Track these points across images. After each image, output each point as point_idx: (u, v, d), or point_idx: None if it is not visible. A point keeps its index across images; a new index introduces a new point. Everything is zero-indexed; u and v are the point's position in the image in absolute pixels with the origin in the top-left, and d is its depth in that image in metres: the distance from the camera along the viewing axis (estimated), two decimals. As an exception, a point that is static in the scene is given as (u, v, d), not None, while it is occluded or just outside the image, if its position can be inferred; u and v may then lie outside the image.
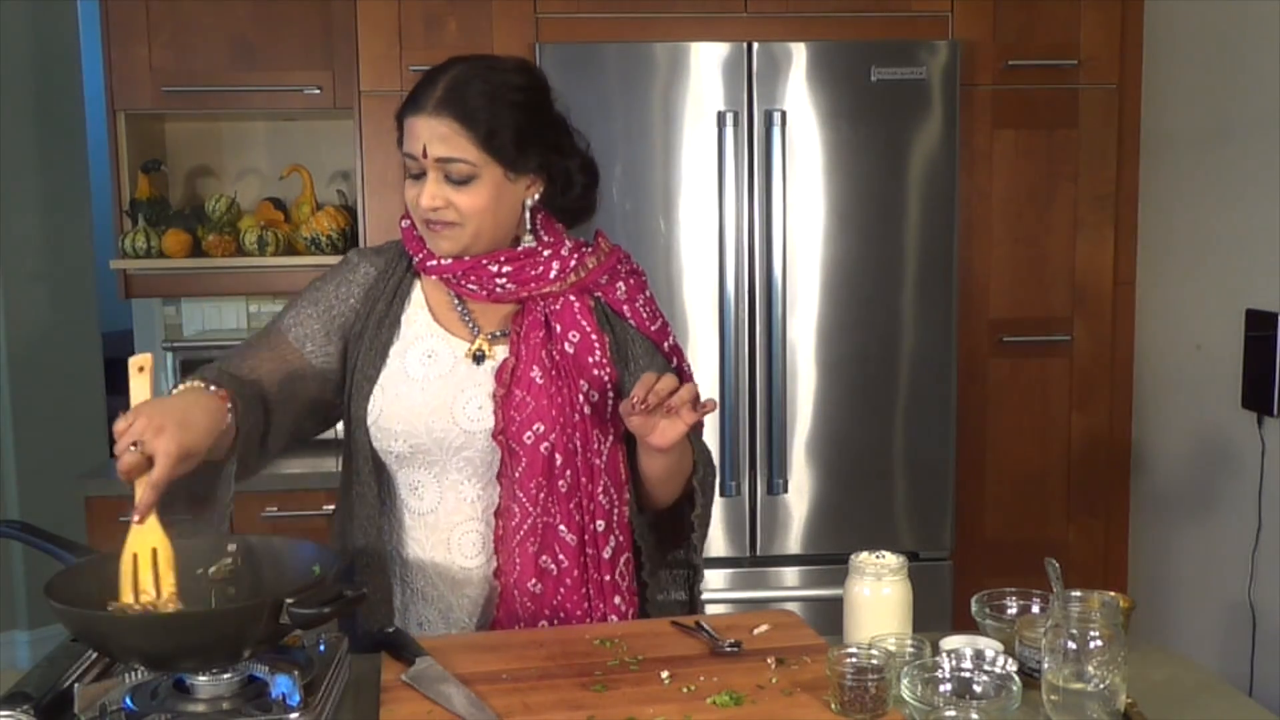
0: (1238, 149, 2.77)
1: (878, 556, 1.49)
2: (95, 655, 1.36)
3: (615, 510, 1.62)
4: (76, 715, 1.25)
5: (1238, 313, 2.71)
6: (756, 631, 1.51)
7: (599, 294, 1.67)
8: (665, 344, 1.72)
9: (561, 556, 1.61)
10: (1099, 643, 1.27)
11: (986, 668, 1.32)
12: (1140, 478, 3.24)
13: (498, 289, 1.61)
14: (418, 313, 1.67)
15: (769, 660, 1.43)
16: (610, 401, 1.62)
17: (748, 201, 2.89)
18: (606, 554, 1.62)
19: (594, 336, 1.63)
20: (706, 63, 2.87)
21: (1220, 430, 2.85)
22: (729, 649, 1.45)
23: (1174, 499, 3.09)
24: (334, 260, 3.13)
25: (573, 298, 1.64)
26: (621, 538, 1.64)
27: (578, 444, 1.59)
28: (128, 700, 1.28)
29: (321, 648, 1.39)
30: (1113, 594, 1.39)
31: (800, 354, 2.93)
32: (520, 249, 1.62)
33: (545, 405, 1.59)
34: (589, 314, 1.64)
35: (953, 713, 1.24)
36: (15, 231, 3.90)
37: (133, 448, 1.32)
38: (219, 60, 3.12)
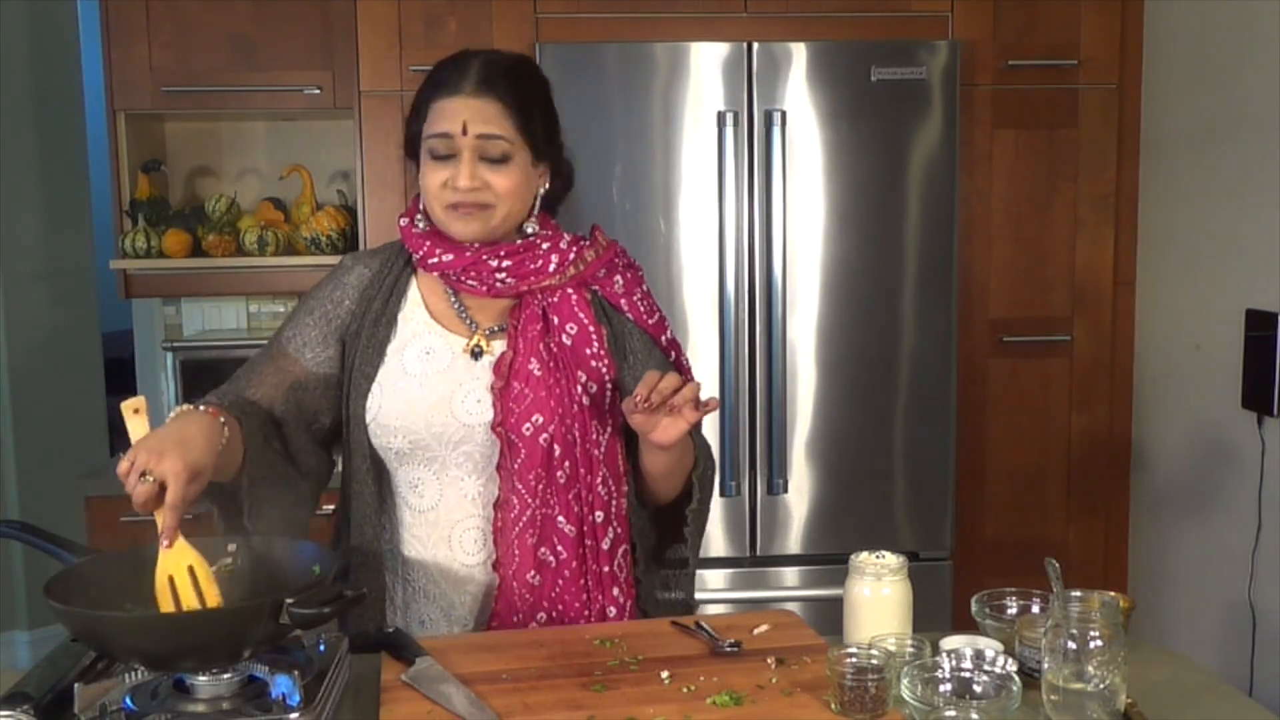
0: (1237, 149, 2.77)
1: (878, 556, 1.49)
2: (95, 655, 1.36)
3: (614, 501, 1.63)
4: (76, 715, 1.26)
5: (1238, 313, 2.71)
6: (756, 631, 1.51)
7: (596, 287, 1.68)
8: (663, 338, 1.73)
9: (560, 548, 1.61)
10: (1099, 643, 1.27)
11: (986, 668, 1.32)
12: (1140, 478, 3.24)
13: (498, 284, 1.62)
14: (414, 311, 1.67)
15: (769, 660, 1.43)
16: (608, 393, 1.63)
17: (748, 201, 2.89)
18: (605, 545, 1.62)
19: (591, 329, 1.64)
20: (706, 63, 2.87)
21: (1220, 430, 2.85)
22: (729, 649, 1.45)
23: (1174, 499, 3.08)
24: (334, 260, 3.14)
25: (570, 291, 1.65)
26: (620, 529, 1.64)
27: (576, 435, 1.60)
28: (128, 700, 1.28)
29: (321, 648, 1.39)
30: (1113, 594, 1.39)
31: (800, 354, 2.93)
32: (519, 242, 1.63)
33: (544, 396, 1.59)
34: (586, 307, 1.65)
35: (953, 713, 1.24)
36: (15, 231, 3.90)
37: (142, 478, 1.34)
38: (219, 60, 3.12)
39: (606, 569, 1.63)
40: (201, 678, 1.29)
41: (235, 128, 3.42)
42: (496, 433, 1.59)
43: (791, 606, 2.34)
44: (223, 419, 1.47)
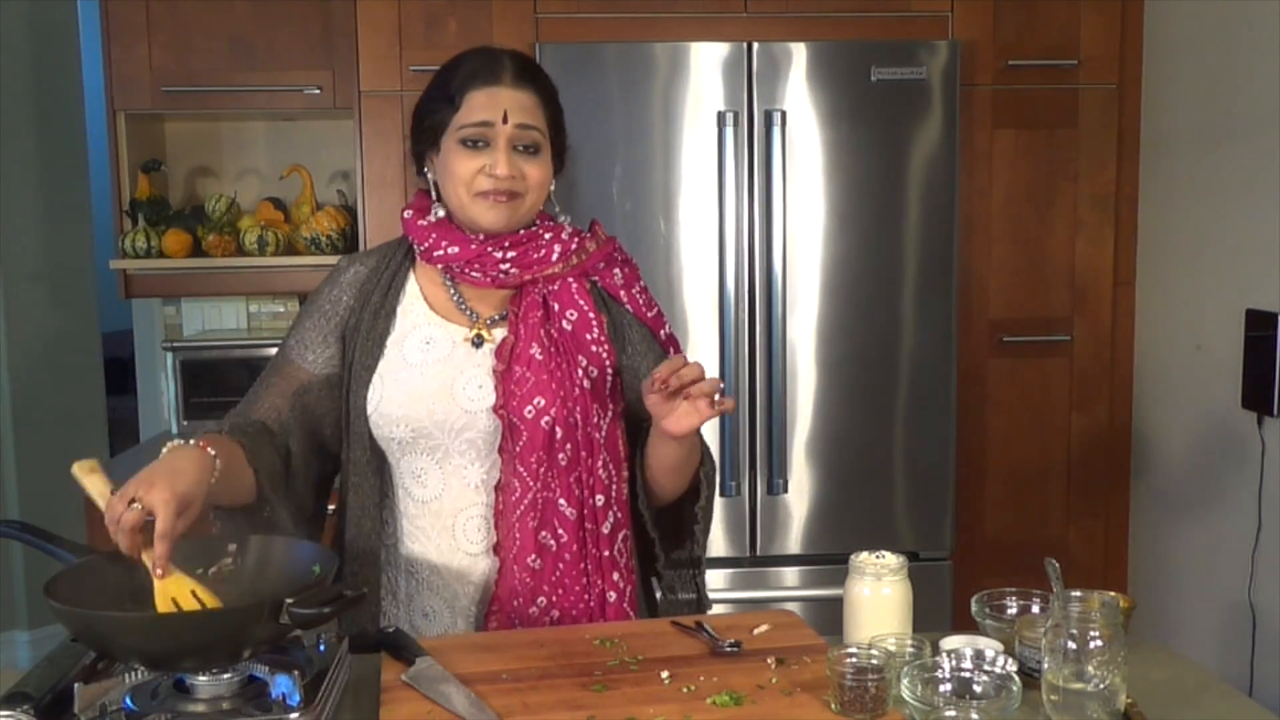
0: (1237, 149, 2.77)
1: (878, 556, 1.49)
2: (95, 655, 1.36)
3: (614, 486, 1.64)
4: (76, 715, 1.26)
5: (1238, 312, 2.71)
6: (756, 631, 1.52)
7: (596, 278, 1.70)
8: (662, 332, 1.75)
9: (561, 531, 1.62)
10: (1099, 643, 1.27)
11: (986, 668, 1.32)
12: (1140, 478, 3.24)
13: (501, 274, 1.63)
14: (413, 303, 1.69)
15: (769, 660, 1.43)
16: (609, 379, 1.65)
17: (748, 201, 2.89)
18: (605, 529, 1.63)
19: (592, 315, 1.66)
20: (706, 63, 2.87)
21: (1220, 430, 2.85)
22: (729, 649, 1.45)
23: (1174, 499, 3.09)
24: (334, 260, 3.15)
25: (571, 280, 1.67)
26: (620, 514, 1.65)
27: (578, 418, 1.61)
28: (128, 700, 1.28)
29: (321, 648, 1.39)
30: (1113, 594, 1.39)
31: (800, 354, 2.93)
32: (522, 233, 1.65)
33: (545, 380, 1.61)
34: (586, 295, 1.67)
35: (953, 713, 1.24)
36: (15, 231, 3.90)
37: (131, 505, 1.34)
38: (219, 60, 3.12)
39: (606, 553, 1.63)
40: (201, 678, 1.29)
41: (235, 128, 3.42)
42: (499, 415, 1.60)
43: (791, 606, 2.33)
44: (213, 451, 1.46)
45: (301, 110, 3.23)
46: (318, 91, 3.13)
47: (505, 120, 1.59)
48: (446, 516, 1.65)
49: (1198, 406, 2.95)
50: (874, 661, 1.29)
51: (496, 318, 1.67)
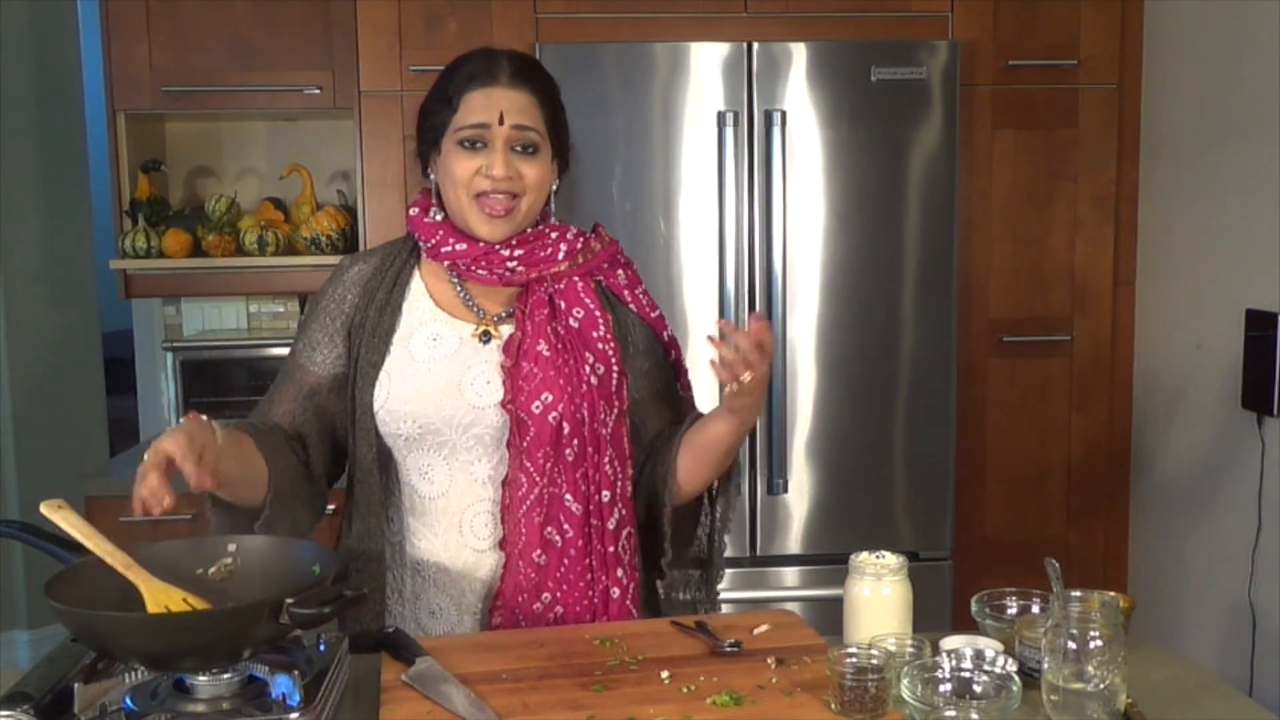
0: (1237, 149, 2.77)
1: (878, 556, 1.49)
2: (95, 655, 1.36)
3: (619, 482, 1.65)
4: (76, 715, 1.26)
5: (1238, 313, 2.71)
6: (756, 631, 1.52)
7: (600, 278, 1.71)
8: (665, 334, 1.76)
9: (566, 526, 1.62)
10: (1099, 643, 1.27)
11: (986, 668, 1.32)
12: (1140, 478, 3.24)
13: (507, 271, 1.64)
14: (419, 300, 1.69)
15: (769, 660, 1.43)
16: (615, 376, 1.65)
17: (748, 201, 2.89)
18: (611, 525, 1.64)
19: (598, 314, 1.67)
20: (706, 63, 2.87)
21: (1220, 430, 2.85)
22: (729, 649, 1.45)
23: (1174, 499, 3.09)
24: (334, 260, 3.15)
25: (577, 279, 1.68)
26: (625, 511, 1.66)
27: (585, 414, 1.62)
28: (128, 700, 1.28)
29: (321, 648, 1.39)
30: (1113, 594, 1.39)
31: (800, 354, 2.93)
32: (529, 232, 1.66)
33: (553, 376, 1.61)
34: (592, 294, 1.69)
35: (953, 713, 1.24)
36: (15, 231, 3.90)
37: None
38: (219, 60, 3.12)
39: (611, 549, 1.64)
40: (201, 678, 1.29)
41: (235, 128, 3.42)
42: (506, 410, 1.60)
43: (791, 606, 2.33)
44: (206, 417, 1.48)
45: (301, 110, 3.23)
46: (318, 91, 3.12)
47: (502, 121, 1.60)
48: (454, 513, 1.65)
49: (1198, 406, 2.95)
50: (874, 661, 1.29)
51: (504, 314, 1.68)
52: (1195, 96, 2.94)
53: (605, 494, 1.63)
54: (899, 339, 2.95)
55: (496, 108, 1.60)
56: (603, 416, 1.63)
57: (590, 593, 1.63)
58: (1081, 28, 3.07)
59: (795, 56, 2.88)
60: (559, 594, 1.63)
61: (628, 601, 1.65)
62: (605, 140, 2.85)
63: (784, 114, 2.86)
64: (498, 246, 1.63)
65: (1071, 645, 1.27)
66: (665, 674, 1.39)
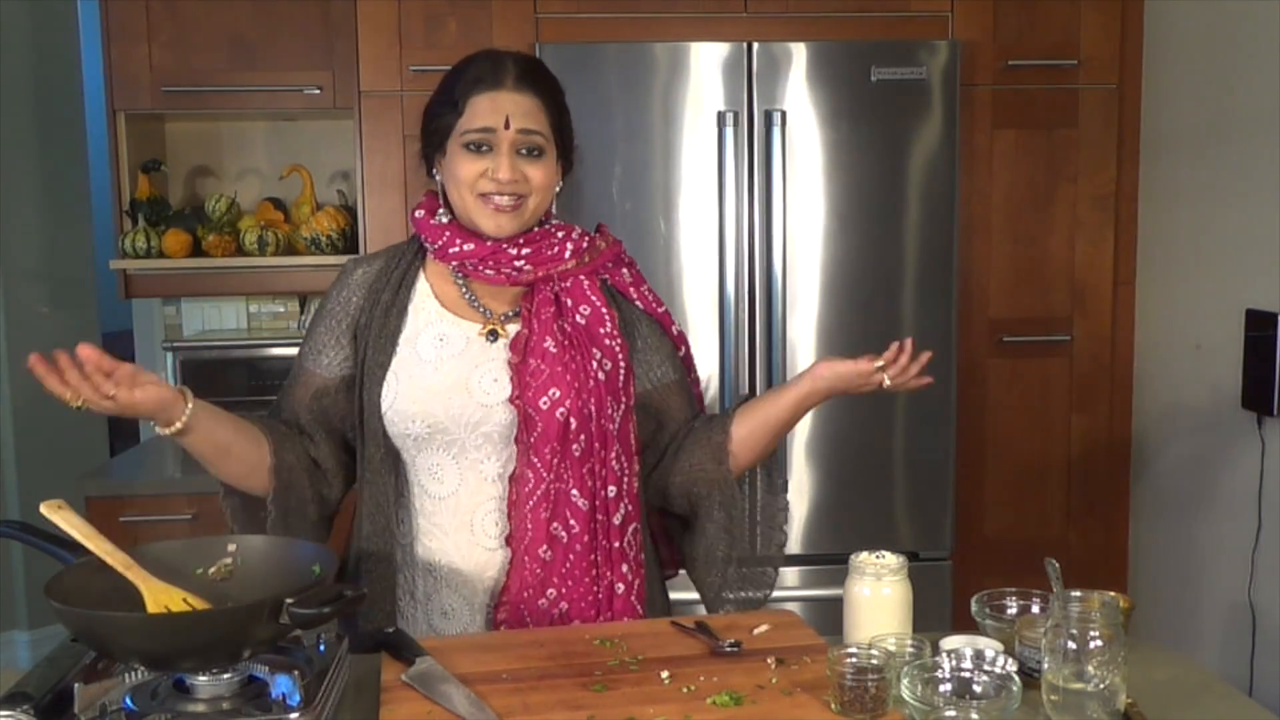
0: (1237, 149, 2.77)
1: (878, 556, 1.49)
2: (95, 655, 1.36)
3: (626, 478, 1.66)
4: (76, 715, 1.26)
5: (1238, 313, 2.71)
6: (756, 631, 1.52)
7: (605, 276, 1.73)
8: (673, 328, 1.78)
9: (573, 522, 1.63)
10: (1099, 643, 1.27)
11: (986, 668, 1.32)
12: (1140, 477, 3.24)
13: (515, 271, 1.65)
14: (425, 301, 1.70)
15: (769, 660, 1.43)
16: (622, 371, 1.66)
17: (748, 201, 2.89)
18: (616, 520, 1.64)
19: (605, 311, 1.68)
20: (706, 63, 2.87)
21: (1220, 430, 2.85)
22: (729, 649, 1.45)
23: (1174, 499, 3.09)
24: (334, 260, 3.16)
25: (583, 277, 1.69)
26: (631, 507, 1.67)
27: (592, 410, 1.62)
28: (128, 700, 1.28)
29: (321, 648, 1.39)
30: (1113, 594, 1.39)
31: (800, 354, 2.93)
32: (535, 231, 1.67)
33: (560, 372, 1.62)
34: (598, 292, 1.70)
35: (953, 713, 1.24)
36: (15, 231, 3.90)
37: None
38: (219, 60, 3.12)
39: (617, 545, 1.65)
40: (201, 678, 1.29)
41: (235, 128, 3.42)
42: (514, 405, 1.61)
43: (791, 606, 2.32)
44: (182, 387, 1.54)
45: (301, 110, 3.23)
46: (318, 91, 3.13)
47: (507, 125, 1.60)
48: (464, 512, 1.65)
49: (1198, 406, 2.95)
50: (874, 661, 1.29)
51: (510, 313, 1.69)
52: (1195, 96, 2.94)
53: (611, 489, 1.64)
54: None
55: (502, 112, 1.61)
56: (610, 412, 1.64)
57: (595, 589, 1.64)
58: (1081, 28, 3.07)
59: (795, 56, 2.88)
60: (564, 590, 1.63)
61: (632, 598, 1.66)
62: (605, 140, 2.85)
63: (784, 114, 2.86)
64: (505, 246, 1.63)
65: (1071, 645, 1.27)
66: (665, 674, 1.39)
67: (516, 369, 1.62)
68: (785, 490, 1.81)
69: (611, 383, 1.65)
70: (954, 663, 1.33)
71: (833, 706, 1.30)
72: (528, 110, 1.62)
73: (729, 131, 2.85)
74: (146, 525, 2.89)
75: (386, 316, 1.67)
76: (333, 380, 1.69)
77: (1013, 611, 1.51)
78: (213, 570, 1.43)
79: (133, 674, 1.34)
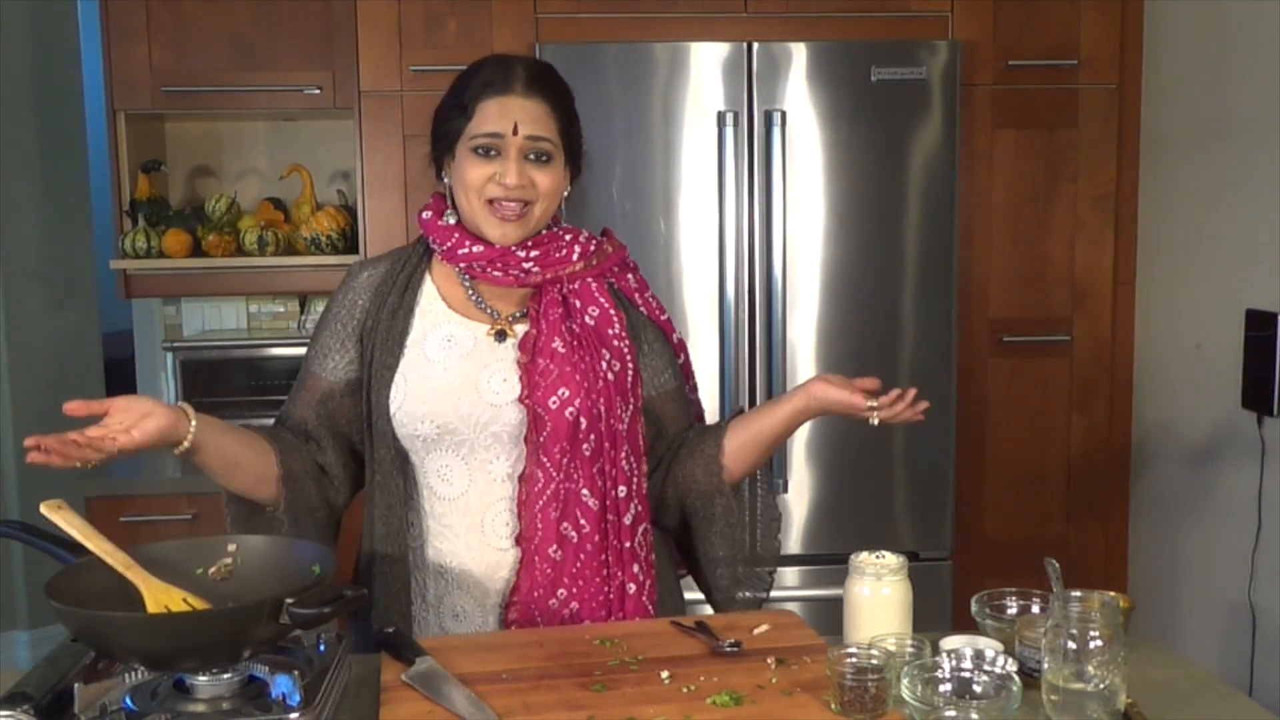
0: (1237, 149, 2.77)
1: (878, 556, 1.49)
2: (95, 655, 1.36)
3: (635, 478, 1.66)
4: (76, 715, 1.26)
5: (1238, 313, 2.71)
6: (756, 631, 1.52)
7: (612, 280, 1.73)
8: (674, 336, 1.79)
9: (583, 522, 1.63)
10: (1099, 643, 1.27)
11: (986, 668, 1.32)
12: (1140, 478, 3.24)
13: (523, 273, 1.65)
14: (432, 303, 1.70)
15: (769, 660, 1.43)
16: (630, 372, 1.67)
17: (748, 201, 2.89)
18: (627, 520, 1.65)
19: (612, 312, 1.69)
20: (706, 63, 2.87)
21: (1220, 430, 2.85)
22: (729, 649, 1.45)
23: (1174, 499, 3.08)
24: (334, 260, 3.16)
25: (590, 280, 1.70)
26: (641, 507, 1.67)
27: (601, 410, 1.63)
28: (128, 700, 1.28)
29: (321, 648, 1.39)
30: (1113, 594, 1.39)
31: (800, 354, 2.93)
32: (544, 233, 1.68)
33: (569, 372, 1.63)
34: (606, 293, 1.70)
35: (953, 713, 1.24)
36: (15, 231, 3.90)
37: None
38: (219, 60, 3.12)
39: (627, 545, 1.65)
40: (201, 678, 1.29)
41: (235, 128, 3.42)
42: (524, 404, 1.61)
43: (791, 606, 2.33)
44: (183, 404, 1.55)
45: (301, 110, 3.23)
46: (318, 91, 3.12)
47: (515, 131, 1.61)
48: (475, 513, 1.65)
49: (1198, 406, 2.95)
50: (874, 661, 1.29)
51: (517, 314, 1.69)
52: (1195, 96, 2.94)
53: (621, 489, 1.64)
54: (899, 339, 2.95)
55: (511, 118, 1.61)
56: (619, 412, 1.64)
57: (606, 589, 1.64)
58: (1081, 28, 3.07)
59: (795, 56, 2.88)
60: (574, 590, 1.63)
61: (643, 598, 1.66)
62: (605, 140, 2.85)
63: (784, 114, 2.86)
64: (514, 248, 1.64)
65: (1071, 645, 1.27)
66: (665, 674, 1.39)
67: (526, 368, 1.63)
68: (781, 491, 1.82)
69: (620, 383, 1.65)
70: (954, 663, 1.33)
71: (833, 706, 1.30)
72: (536, 116, 1.62)
73: (729, 131, 2.85)
74: (146, 525, 2.89)
75: (393, 319, 1.67)
76: (339, 384, 1.69)
77: (1013, 611, 1.51)
78: (213, 570, 1.43)
79: (133, 674, 1.34)
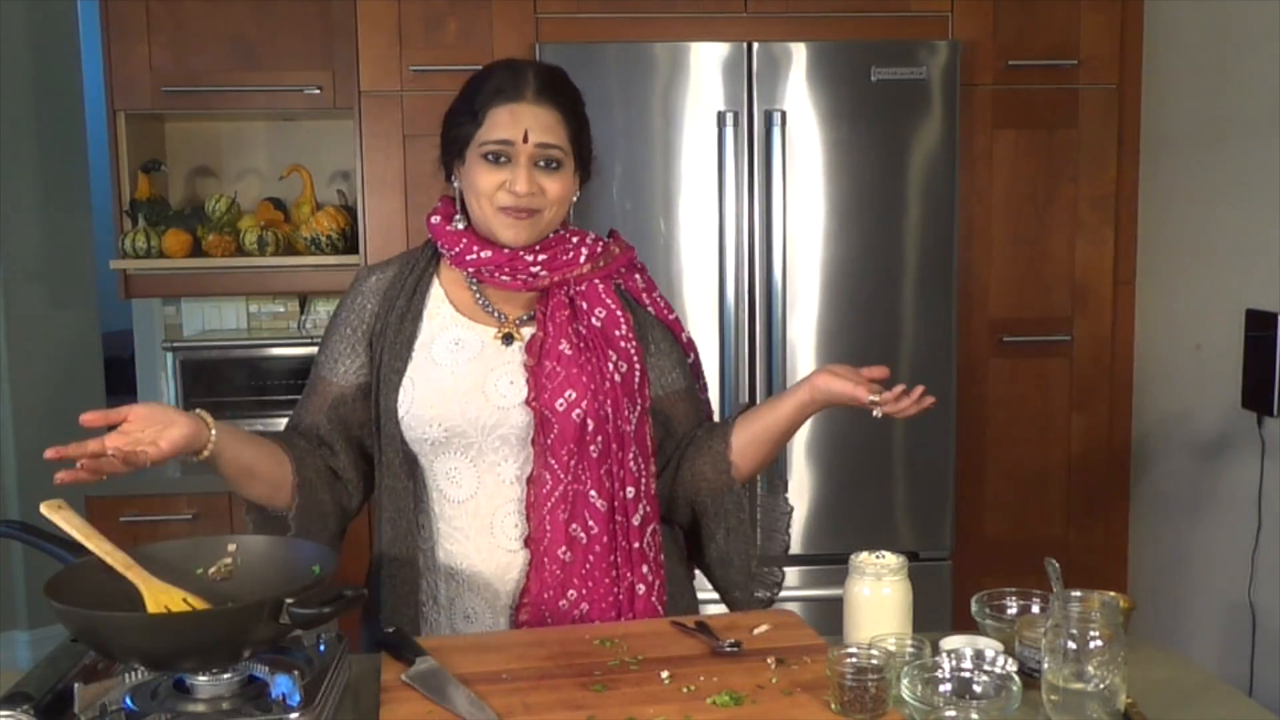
0: (1237, 149, 2.77)
1: (878, 556, 1.49)
2: (95, 655, 1.36)
3: (643, 479, 1.66)
4: (76, 715, 1.26)
5: (1238, 313, 2.71)
6: (756, 631, 1.52)
7: (619, 281, 1.74)
8: (683, 335, 1.79)
9: (592, 523, 1.63)
10: (1099, 643, 1.27)
11: (986, 668, 1.32)
12: (1140, 478, 3.24)
13: (531, 276, 1.66)
14: (439, 307, 1.70)
15: (769, 660, 1.43)
16: (638, 373, 1.67)
17: (748, 201, 2.89)
18: (636, 521, 1.65)
19: (619, 313, 1.69)
20: (706, 63, 2.87)
21: (1220, 430, 2.85)
22: (729, 649, 1.45)
23: (1174, 499, 3.08)
24: (334, 260, 3.16)
25: (598, 282, 1.70)
26: (649, 508, 1.67)
27: (609, 411, 1.63)
28: (128, 700, 1.28)
29: (321, 648, 1.39)
30: (1113, 594, 1.39)
31: (800, 354, 2.93)
32: (551, 237, 1.69)
33: (576, 373, 1.63)
34: (613, 295, 1.71)
35: (953, 713, 1.24)
36: (15, 231, 3.90)
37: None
38: (219, 60, 3.12)
39: (636, 545, 1.65)
40: (201, 678, 1.29)
41: (235, 128, 3.42)
42: (531, 407, 1.62)
43: (791, 606, 2.33)
44: (200, 412, 1.53)
45: (301, 110, 3.23)
46: (318, 91, 3.12)
47: (525, 139, 1.61)
48: (484, 515, 1.66)
49: (1198, 406, 2.95)
50: (874, 661, 1.29)
51: (524, 317, 1.70)
52: (1195, 96, 2.94)
53: (630, 490, 1.64)
54: (899, 339, 2.95)
55: (521, 125, 1.61)
56: (626, 413, 1.64)
57: (615, 589, 1.64)
58: (1081, 28, 3.07)
59: (795, 56, 2.88)
60: (584, 591, 1.63)
61: (653, 599, 1.66)
62: (605, 140, 2.82)
63: (784, 114, 2.86)
64: (522, 253, 1.64)
65: (1071, 645, 1.27)
66: (665, 674, 1.39)
67: (532, 371, 1.63)
68: (785, 490, 1.82)
69: (627, 384, 1.65)
70: (954, 663, 1.33)
71: (833, 706, 1.30)
72: (547, 124, 1.62)
73: (729, 131, 2.85)
74: (146, 525, 2.89)
75: (402, 322, 1.67)
76: (350, 389, 1.69)
77: (1013, 611, 1.51)
78: (213, 570, 1.43)
79: (133, 674, 1.34)
